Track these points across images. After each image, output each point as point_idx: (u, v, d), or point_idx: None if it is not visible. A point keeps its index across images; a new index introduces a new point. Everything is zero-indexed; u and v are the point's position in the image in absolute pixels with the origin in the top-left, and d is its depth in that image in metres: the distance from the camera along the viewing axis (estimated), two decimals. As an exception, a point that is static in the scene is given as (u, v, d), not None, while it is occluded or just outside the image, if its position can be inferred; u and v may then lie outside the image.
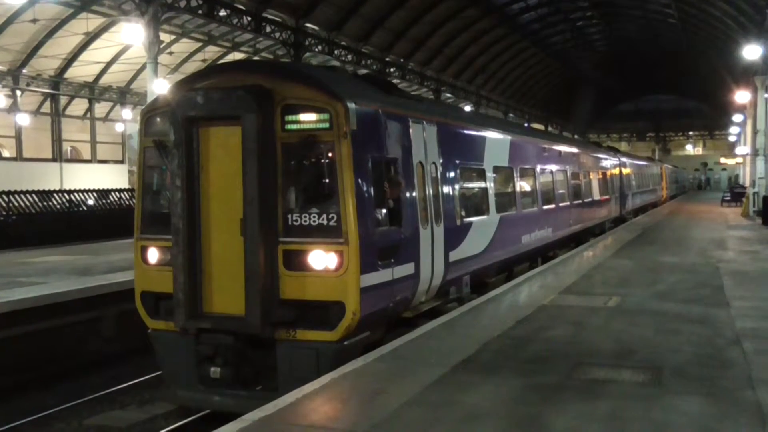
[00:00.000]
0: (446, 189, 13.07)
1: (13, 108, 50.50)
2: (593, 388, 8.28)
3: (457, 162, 13.78)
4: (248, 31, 42.09)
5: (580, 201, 24.95)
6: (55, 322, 14.96)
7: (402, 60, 53.70)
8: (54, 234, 26.28)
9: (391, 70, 52.61)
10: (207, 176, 10.50)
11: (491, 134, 16.43)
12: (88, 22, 46.70)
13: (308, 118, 10.25)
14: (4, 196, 26.66)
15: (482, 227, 14.95)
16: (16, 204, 27.25)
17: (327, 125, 10.18)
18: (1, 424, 12.03)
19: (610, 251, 22.20)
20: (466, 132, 14.95)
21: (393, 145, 11.34)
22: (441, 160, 12.88)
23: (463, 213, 13.81)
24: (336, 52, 46.24)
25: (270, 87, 10.28)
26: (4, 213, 26.68)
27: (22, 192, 27.57)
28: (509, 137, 17.85)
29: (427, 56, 55.25)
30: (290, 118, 10.27)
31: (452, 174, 13.46)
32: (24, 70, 49.20)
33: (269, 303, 10.13)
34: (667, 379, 8.61)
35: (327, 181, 10.40)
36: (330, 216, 10.20)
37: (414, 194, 11.75)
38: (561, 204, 22.14)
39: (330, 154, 10.23)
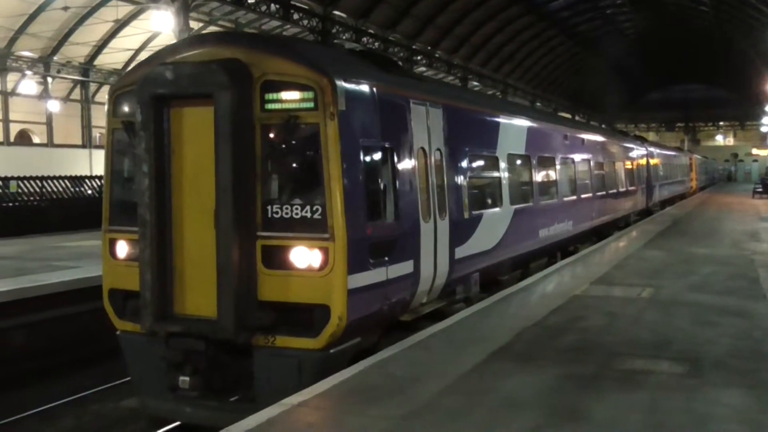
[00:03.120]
0: (452, 179, 11.55)
1: (44, 95, 49.87)
2: (631, 378, 8.02)
3: (466, 149, 12.23)
4: (276, 19, 40.79)
5: (603, 192, 23.18)
6: (88, 306, 14.26)
7: (429, 48, 52.08)
8: (86, 219, 25.68)
9: (418, 58, 51.07)
10: (179, 162, 9.10)
11: (505, 119, 14.80)
12: (118, 9, 45.83)
13: (290, 96, 8.80)
14: (37, 182, 26.47)
15: (494, 221, 13.39)
16: (48, 189, 27.37)
17: (311, 105, 8.72)
18: (38, 405, 12.08)
19: (640, 242, 21.24)
20: (476, 116, 13.33)
21: (390, 129, 9.85)
22: (447, 147, 11.35)
23: (471, 205, 12.25)
24: (363, 39, 44.81)
25: (248, 61, 8.84)
26: (37, 198, 26.72)
27: (54, 177, 27.42)
28: (526, 123, 16.21)
29: (454, 44, 53.53)
30: (270, 96, 8.83)
31: (460, 162, 11.93)
32: (55, 57, 48.51)
33: (245, 305, 8.72)
34: (707, 371, 8.33)
35: (311, 168, 8.96)
36: (314, 208, 8.75)
37: (414, 184, 10.25)
38: (583, 195, 20.41)
39: (315, 138, 8.77)
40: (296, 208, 8.82)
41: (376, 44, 46.19)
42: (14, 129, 51.87)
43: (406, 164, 10.09)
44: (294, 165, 9.21)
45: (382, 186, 9.55)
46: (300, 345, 8.77)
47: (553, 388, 7.67)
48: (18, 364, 13.54)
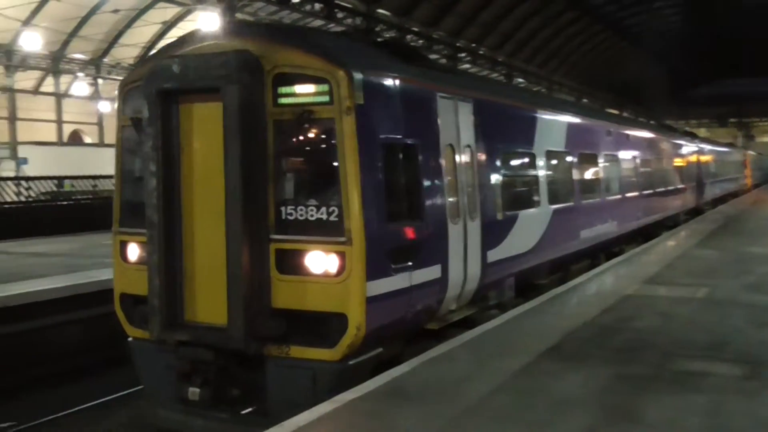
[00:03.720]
0: (484, 177, 10.71)
1: (95, 96, 50.12)
2: (687, 380, 7.70)
3: (500, 145, 11.37)
4: (320, 18, 40.30)
5: (650, 191, 21.97)
6: None
7: (473, 45, 51.07)
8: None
9: (462, 55, 50.11)
10: (188, 161, 8.46)
11: (543, 114, 13.85)
12: (166, 11, 45.85)
13: (304, 89, 8.09)
14: (89, 180, 26.63)
15: (530, 221, 12.50)
16: (100, 188, 27.18)
17: (326, 98, 8.00)
18: (101, 396, 12.13)
19: (692, 241, 20.21)
20: (510, 111, 12.44)
21: (414, 124, 9.07)
22: (478, 143, 10.52)
23: (505, 205, 11.39)
24: (407, 37, 44.05)
25: (259, 53, 8.15)
26: (89, 196, 26.28)
27: (105, 176, 27.53)
28: (566, 118, 15.23)
29: (498, 41, 52.38)
30: (283, 90, 8.12)
31: (492, 159, 11.09)
32: (105, 59, 48.76)
33: (256, 313, 8.04)
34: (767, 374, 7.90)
35: (327, 166, 8.23)
36: (330, 209, 8.03)
37: (441, 183, 9.45)
38: (628, 194, 19.28)
39: (330, 134, 8.04)
40: (311, 210, 8.11)
41: (420, 42, 45.45)
42: (67, 129, 52.34)
43: (431, 162, 9.30)
44: (309, 163, 8.49)
45: (404, 185, 8.78)
46: (315, 356, 8.07)
47: (605, 389, 7.42)
48: (75, 358, 13.45)
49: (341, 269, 7.95)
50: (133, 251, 9.04)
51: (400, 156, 8.71)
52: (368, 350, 8.34)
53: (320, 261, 8.03)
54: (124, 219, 9.19)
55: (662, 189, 23.90)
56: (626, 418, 6.59)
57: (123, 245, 9.12)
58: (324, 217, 8.05)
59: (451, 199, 9.64)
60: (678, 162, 27.13)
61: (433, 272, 9.15)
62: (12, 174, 37.66)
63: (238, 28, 9.38)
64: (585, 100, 67.87)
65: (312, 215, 8.10)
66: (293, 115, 8.04)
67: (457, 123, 9.98)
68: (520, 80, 57.88)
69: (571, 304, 11.90)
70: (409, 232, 8.77)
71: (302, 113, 7.99)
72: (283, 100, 8.13)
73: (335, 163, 8.00)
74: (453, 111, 9.93)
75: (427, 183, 9.12)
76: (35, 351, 13.23)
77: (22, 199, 28.36)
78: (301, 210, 8.13)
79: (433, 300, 9.32)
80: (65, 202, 27.29)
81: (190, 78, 8.09)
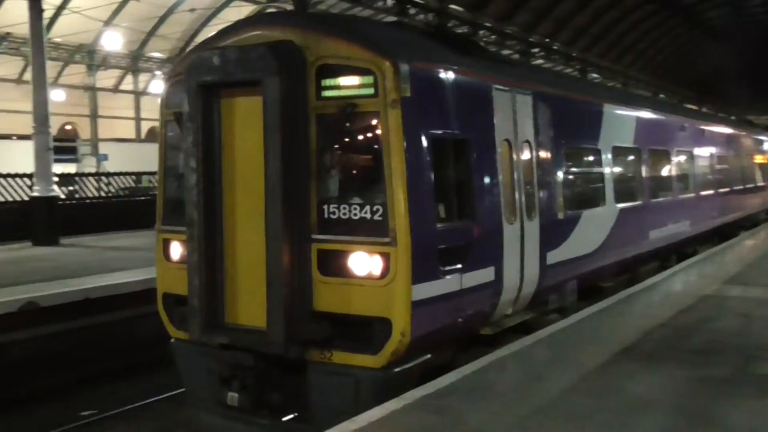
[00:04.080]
0: (544, 175, 10.04)
1: (172, 93, 50.53)
2: None
3: (562, 141, 10.66)
4: (392, 14, 39.86)
5: (727, 189, 20.79)
6: None
7: (546, 40, 49.82)
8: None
9: (535, 50, 48.95)
10: (230, 157, 8.05)
11: (610, 108, 13.00)
12: (240, 10, 45.97)
13: (348, 81, 7.59)
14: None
15: (595, 221, 11.74)
16: None
17: (371, 91, 7.48)
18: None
19: None
20: (574, 104, 11.66)
21: (466, 118, 8.48)
22: (537, 138, 9.86)
23: (567, 204, 10.68)
24: (479, 33, 43.20)
25: (302, 44, 7.69)
26: (152, 193, 26.62)
27: None
28: (636, 112, 14.34)
29: (572, 36, 50.91)
30: (327, 82, 7.64)
31: (553, 155, 10.38)
32: (182, 58, 49.08)
33: (297, 316, 7.59)
34: None
35: (372, 163, 7.72)
36: (374, 208, 7.52)
37: (495, 181, 8.84)
38: (702, 192, 18.20)
39: (375, 129, 7.53)
40: (355, 209, 7.61)
41: (492, 37, 44.57)
42: (145, 126, 53.15)
43: (485, 158, 8.70)
44: (353, 159, 7.99)
45: (455, 183, 8.20)
46: (358, 362, 7.57)
47: (683, 391, 7.12)
48: (152, 350, 13.16)
49: (385, 271, 7.43)
50: (176, 250, 8.69)
51: (451, 152, 8.14)
52: (415, 357, 7.81)
53: (364, 263, 7.53)
54: (167, 216, 8.85)
55: (740, 187, 22.60)
56: (705, 423, 6.27)
57: (166, 243, 8.78)
58: (368, 216, 7.55)
59: (506, 198, 9.02)
60: (759, 158, 25.71)
61: (485, 275, 8.56)
62: (93, 170, 38.27)
63: (282, 18, 8.94)
64: (662, 96, 65.72)
65: (355, 214, 7.60)
66: (337, 108, 7.56)
67: (514, 117, 9.35)
68: (595, 75, 56.30)
69: (646, 303, 11.46)
70: (460, 233, 8.21)
71: (346, 107, 7.50)
72: (327, 93, 7.65)
73: (380, 159, 7.48)
74: (510, 104, 9.29)
75: (479, 180, 8.54)
76: (115, 342, 13.37)
77: (102, 194, 28.74)
78: (344, 209, 7.64)
79: (486, 304, 8.73)
80: (143, 198, 27.49)
81: (230, 71, 7.68)
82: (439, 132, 8.00)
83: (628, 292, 12.04)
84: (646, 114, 15.07)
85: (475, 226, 8.39)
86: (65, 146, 42.24)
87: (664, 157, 15.72)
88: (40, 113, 20.46)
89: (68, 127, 50.70)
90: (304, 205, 7.66)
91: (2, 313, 11.93)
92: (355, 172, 7.95)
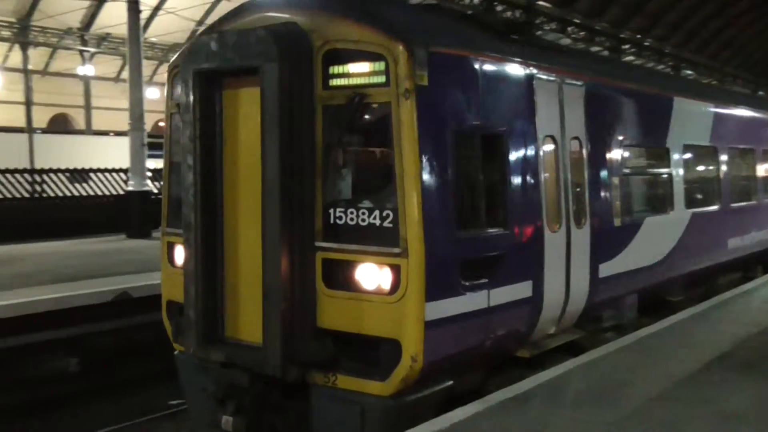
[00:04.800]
0: (597, 176, 8.66)
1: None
2: None
3: (620, 138, 9.22)
4: (478, 10, 38.52)
5: None
6: None
7: (638, 36, 47.37)
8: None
9: (626, 47, 46.61)
10: (232, 153, 7.07)
11: (682, 101, 11.34)
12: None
13: (358, 68, 6.50)
14: None
15: (660, 228, 10.21)
16: None
17: (382, 79, 6.37)
18: None
19: None
20: (636, 96, 10.09)
21: (500, 111, 7.26)
22: (590, 135, 8.50)
23: (626, 209, 9.22)
24: (568, 29, 41.32)
25: (308, 26, 6.64)
26: None
27: None
28: (713, 107, 12.62)
29: (665, 31, 48.29)
30: (336, 69, 6.56)
31: (609, 155, 8.97)
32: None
33: (298, 333, 6.54)
34: None
35: (382, 162, 6.60)
36: (384, 213, 6.40)
37: (535, 182, 7.58)
38: None
39: (387, 122, 6.39)
40: (363, 213, 6.51)
41: (581, 34, 42.61)
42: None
43: (522, 157, 7.45)
44: (362, 158, 6.87)
45: (484, 185, 6.98)
46: (365, 388, 6.49)
47: None
48: None
49: (395, 286, 6.31)
50: (180, 254, 7.74)
51: (480, 149, 6.94)
52: (432, 384, 6.67)
53: (372, 275, 6.44)
54: (172, 218, 7.93)
55: None
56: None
57: (170, 247, 7.87)
58: (377, 222, 6.44)
59: (549, 202, 7.74)
60: None
61: (520, 290, 7.32)
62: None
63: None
64: (761, 93, 61.82)
65: (364, 220, 6.50)
66: (345, 99, 6.46)
67: (561, 110, 8.04)
68: (689, 72, 53.34)
69: (741, 310, 10.61)
70: (488, 243, 7.00)
71: (353, 97, 6.40)
72: (335, 82, 6.57)
73: (390, 158, 6.36)
74: (556, 96, 7.99)
75: (514, 182, 7.29)
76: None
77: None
78: (352, 213, 6.55)
79: (521, 323, 7.49)
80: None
81: (229, 57, 6.69)
82: (465, 127, 6.81)
83: (722, 298, 11.21)
84: (726, 108, 13.30)
85: (507, 235, 7.17)
86: (159, 142, 42.50)
87: (748, 156, 13.91)
88: (136, 110, 20.93)
89: (161, 124, 51.12)
90: (308, 208, 6.61)
91: (97, 302, 12.02)
92: (365, 171, 6.84)
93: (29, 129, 39.86)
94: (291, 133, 6.45)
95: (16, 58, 40.96)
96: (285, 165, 6.41)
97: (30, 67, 40.87)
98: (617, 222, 8.96)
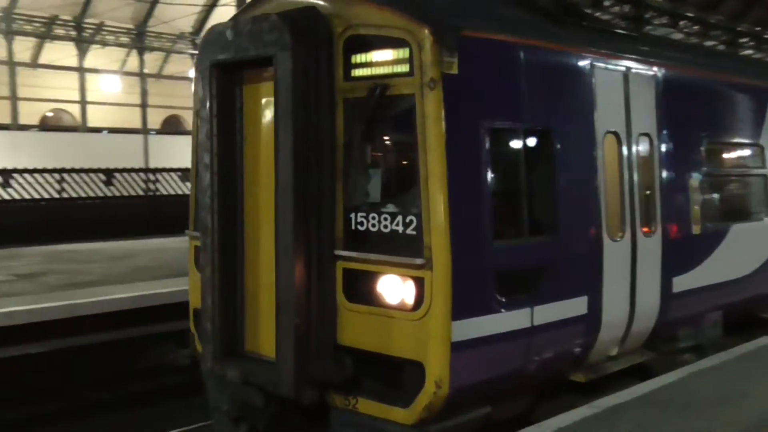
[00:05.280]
0: (671, 177, 7.48)
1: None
2: None
3: (701, 134, 8.00)
4: (589, 7, 36.74)
5: None
6: None
7: (757, 29, 44.09)
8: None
9: (743, 40, 43.45)
10: (254, 152, 6.42)
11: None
12: None
13: (381, 56, 5.71)
14: None
15: (751, 236, 8.84)
16: None
17: (406, 67, 5.55)
18: None
19: None
20: (723, 88, 8.82)
21: (549, 104, 6.31)
22: (663, 131, 7.37)
23: (708, 215, 7.98)
24: (680, 23, 38.91)
25: (329, 10, 5.91)
26: None
27: None
28: None
29: (789, 23, 44.91)
30: (358, 58, 5.80)
31: (687, 153, 7.78)
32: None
33: (315, 351, 5.82)
34: None
35: (406, 162, 5.80)
36: (407, 219, 5.59)
37: (592, 184, 6.56)
38: None
39: (411, 117, 5.57)
40: (385, 218, 5.72)
41: (694, 28, 40.05)
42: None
43: (576, 155, 6.48)
44: (386, 156, 6.08)
45: (526, 188, 6.05)
46: (386, 415, 5.72)
47: None
48: None
49: (418, 301, 5.50)
50: None
51: (522, 147, 6.02)
52: (464, 411, 5.80)
53: (395, 288, 5.65)
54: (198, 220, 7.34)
55: None
56: None
57: (197, 251, 7.28)
58: (400, 229, 5.64)
59: (610, 207, 6.70)
60: None
61: (572, 307, 6.35)
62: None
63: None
64: None
65: (386, 226, 5.71)
66: (368, 91, 5.68)
67: (626, 103, 6.98)
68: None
69: None
70: (531, 253, 6.08)
71: (374, 88, 5.61)
72: (357, 72, 5.82)
73: (414, 157, 5.53)
74: (620, 87, 6.94)
75: (565, 184, 6.32)
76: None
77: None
78: (374, 218, 5.78)
79: (574, 344, 6.52)
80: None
81: (243, 46, 6.03)
82: (504, 122, 5.92)
83: None
84: None
85: (555, 244, 6.22)
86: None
87: None
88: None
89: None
90: (327, 212, 5.86)
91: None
92: (388, 172, 6.04)
93: (144, 130, 41.08)
94: (307, 129, 5.73)
95: (133, 62, 42.23)
96: (299, 164, 5.70)
97: (145, 70, 42.10)
98: (696, 229, 7.78)
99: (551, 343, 6.22)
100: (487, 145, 5.70)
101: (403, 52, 5.54)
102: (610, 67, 6.83)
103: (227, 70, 6.28)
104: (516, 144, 5.99)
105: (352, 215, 5.88)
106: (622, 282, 6.83)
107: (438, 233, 5.40)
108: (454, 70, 5.50)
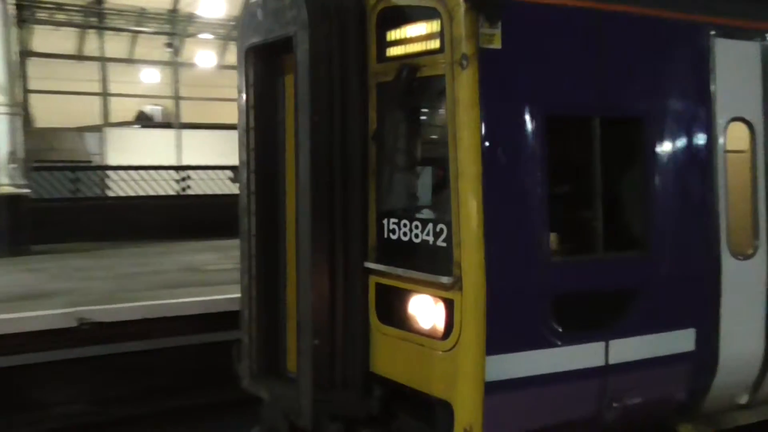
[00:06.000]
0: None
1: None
2: None
3: None
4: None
5: None
6: None
7: None
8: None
9: None
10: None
11: None
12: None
13: (413, 31, 4.71)
14: None
15: None
16: None
17: (437, 43, 4.52)
18: None
19: None
20: None
21: (638, 86, 4.94)
22: None
23: None
24: None
25: None
26: None
27: None
28: None
29: None
30: (392, 35, 4.84)
31: None
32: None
33: (339, 378, 4.97)
34: None
35: (438, 158, 4.75)
36: (437, 228, 4.57)
37: (706, 186, 5.07)
38: None
39: (442, 103, 4.54)
40: (416, 226, 4.73)
41: None
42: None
43: (682, 150, 5.04)
44: (417, 152, 5.03)
45: (602, 191, 4.75)
46: None
47: None
48: None
49: (448, 328, 4.47)
50: None
51: (598, 140, 4.74)
52: None
53: (426, 311, 4.66)
54: None
55: None
56: None
57: None
58: (430, 239, 4.62)
59: (731, 215, 5.20)
60: None
61: (671, 342, 4.97)
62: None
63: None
64: None
65: (417, 235, 4.72)
66: (399, 74, 4.72)
67: (764, 82, 5.40)
68: None
69: None
70: (608, 272, 4.78)
71: (401, 71, 4.64)
72: (392, 51, 4.86)
73: (444, 153, 4.50)
74: (753, 61, 5.37)
75: (666, 186, 4.96)
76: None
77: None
78: (405, 226, 4.81)
79: (677, 389, 5.11)
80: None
81: (271, 27, 5.28)
82: (569, 108, 4.69)
83: None
84: None
85: (646, 262, 4.87)
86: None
87: None
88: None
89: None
90: (356, 218, 4.97)
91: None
92: (420, 171, 5.02)
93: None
94: (331, 120, 4.87)
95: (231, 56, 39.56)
96: (320, 161, 4.85)
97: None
98: None
99: (639, 386, 4.88)
100: (544, 137, 4.51)
101: (434, 25, 4.52)
102: (735, 36, 5.28)
103: (263, 55, 5.55)
104: (588, 136, 4.71)
105: (385, 221, 4.95)
106: (750, 311, 5.28)
107: (469, 246, 4.33)
108: (496, 44, 4.39)
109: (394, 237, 4.87)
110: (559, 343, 4.56)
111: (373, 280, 4.98)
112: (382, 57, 4.89)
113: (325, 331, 4.92)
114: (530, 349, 4.50)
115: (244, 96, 5.62)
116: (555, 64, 4.63)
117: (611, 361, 4.72)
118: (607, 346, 4.70)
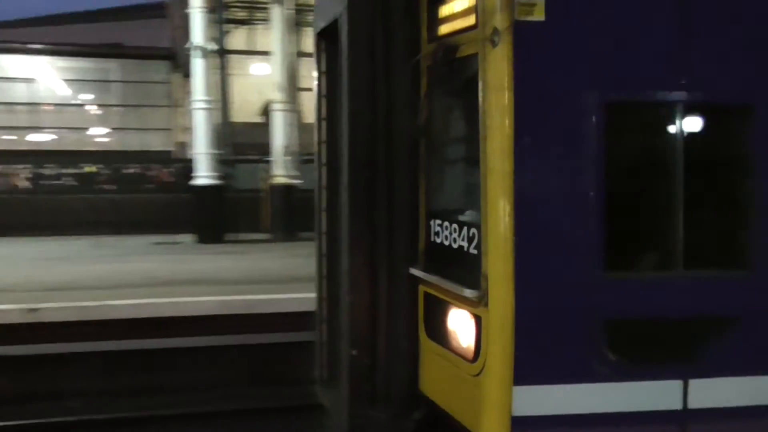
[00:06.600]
0: None
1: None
2: None
3: None
4: None
5: None
6: None
7: None
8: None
9: None
10: None
11: None
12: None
13: (456, 7, 4.09)
14: None
15: None
16: None
17: (473, 19, 3.88)
18: None
19: None
20: None
21: (739, 64, 3.86)
22: None
23: None
24: None
25: None
26: None
27: None
28: None
29: None
30: (444, 10, 4.25)
31: None
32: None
33: (381, 395, 4.51)
34: None
35: (473, 152, 4.06)
36: (471, 232, 3.94)
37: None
38: None
39: (475, 87, 3.88)
40: (455, 230, 4.13)
41: None
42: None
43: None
44: (458, 145, 4.34)
45: (683, 196, 3.79)
46: None
47: None
48: None
49: (477, 349, 3.84)
50: None
51: (679, 133, 3.79)
52: None
53: (461, 326, 4.05)
54: None
55: None
56: None
57: None
58: (465, 245, 4.00)
59: None
60: None
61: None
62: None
63: None
64: None
65: (455, 240, 4.12)
66: (444, 54, 4.14)
67: None
68: None
69: None
70: (689, 293, 3.82)
71: (436, 51, 4.06)
72: (443, 29, 4.27)
73: (476, 146, 3.84)
74: None
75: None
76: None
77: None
78: (446, 229, 4.22)
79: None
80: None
81: (333, 9, 4.89)
82: (639, 92, 3.78)
83: None
84: None
85: (747, 283, 3.84)
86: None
87: None
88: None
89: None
90: (403, 218, 4.45)
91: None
92: (459, 167, 4.35)
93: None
94: (374, 109, 4.40)
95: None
96: (359, 155, 4.39)
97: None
98: None
99: None
100: (602, 129, 3.69)
101: (468, 1, 3.89)
102: None
103: (333, 40, 5.19)
104: (664, 127, 3.78)
105: (432, 224, 4.38)
106: None
107: (496, 255, 3.65)
108: (539, 15, 3.65)
109: (438, 241, 4.29)
110: (615, 377, 3.73)
111: (422, 289, 4.44)
112: (432, 36, 4.32)
113: (365, 342, 4.46)
114: (574, 382, 3.72)
115: (316, 84, 5.30)
116: (619, 38, 3.76)
117: (691, 406, 3.78)
118: (685, 387, 3.77)
